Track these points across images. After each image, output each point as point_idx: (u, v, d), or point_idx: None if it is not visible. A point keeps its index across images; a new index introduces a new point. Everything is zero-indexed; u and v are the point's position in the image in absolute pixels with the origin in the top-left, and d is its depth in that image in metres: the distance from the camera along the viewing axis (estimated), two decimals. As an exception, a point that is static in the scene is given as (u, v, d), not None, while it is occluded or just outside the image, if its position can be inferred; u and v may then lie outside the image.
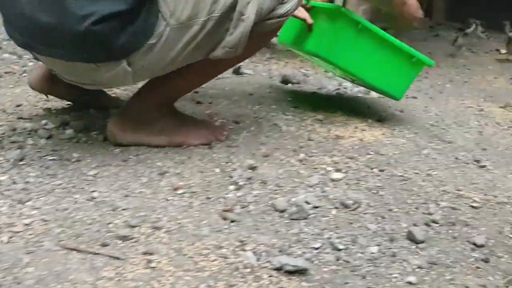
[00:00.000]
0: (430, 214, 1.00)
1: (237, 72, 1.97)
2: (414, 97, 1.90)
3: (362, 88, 1.83)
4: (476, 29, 3.90)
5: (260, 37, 1.15)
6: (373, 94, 1.82)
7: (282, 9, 1.11)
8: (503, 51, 3.33)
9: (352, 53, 1.42)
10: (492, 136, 1.54)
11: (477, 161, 1.30)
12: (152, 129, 1.20)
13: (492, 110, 1.86)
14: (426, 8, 4.71)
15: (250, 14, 1.06)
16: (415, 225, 0.96)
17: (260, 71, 2.12)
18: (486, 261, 0.87)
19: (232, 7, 1.06)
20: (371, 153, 1.28)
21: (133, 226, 0.89)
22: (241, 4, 1.06)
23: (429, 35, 3.93)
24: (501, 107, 1.93)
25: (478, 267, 0.86)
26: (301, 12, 1.41)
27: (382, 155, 1.27)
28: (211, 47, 1.11)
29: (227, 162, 1.16)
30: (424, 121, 1.61)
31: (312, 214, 0.97)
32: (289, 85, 1.94)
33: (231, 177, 1.09)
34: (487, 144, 1.45)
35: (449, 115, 1.72)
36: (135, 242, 0.85)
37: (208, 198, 1.01)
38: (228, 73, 1.84)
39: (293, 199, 1.00)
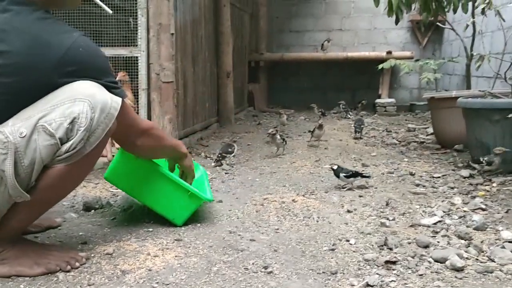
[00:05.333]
0: None
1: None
2: (220, 201, 1.93)
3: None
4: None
5: (68, 170, 1.23)
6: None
7: (65, 147, 1.20)
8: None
9: (143, 187, 1.63)
10: (286, 232, 1.59)
11: (266, 267, 1.31)
12: None
13: (294, 200, 1.96)
14: (248, 99, 5.11)
15: (7, 169, 1.16)
16: None
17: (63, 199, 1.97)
18: None
19: None
20: (156, 285, 1.21)
21: None
22: None
23: (253, 125, 4.20)
24: (302, 195, 2.05)
25: None
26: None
27: (167, 285, 1.21)
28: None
29: None
30: (223, 229, 1.61)
31: None
32: (92, 211, 1.83)
33: None
34: (280, 242, 1.49)
35: (250, 216, 1.76)
36: None
37: None
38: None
39: None
